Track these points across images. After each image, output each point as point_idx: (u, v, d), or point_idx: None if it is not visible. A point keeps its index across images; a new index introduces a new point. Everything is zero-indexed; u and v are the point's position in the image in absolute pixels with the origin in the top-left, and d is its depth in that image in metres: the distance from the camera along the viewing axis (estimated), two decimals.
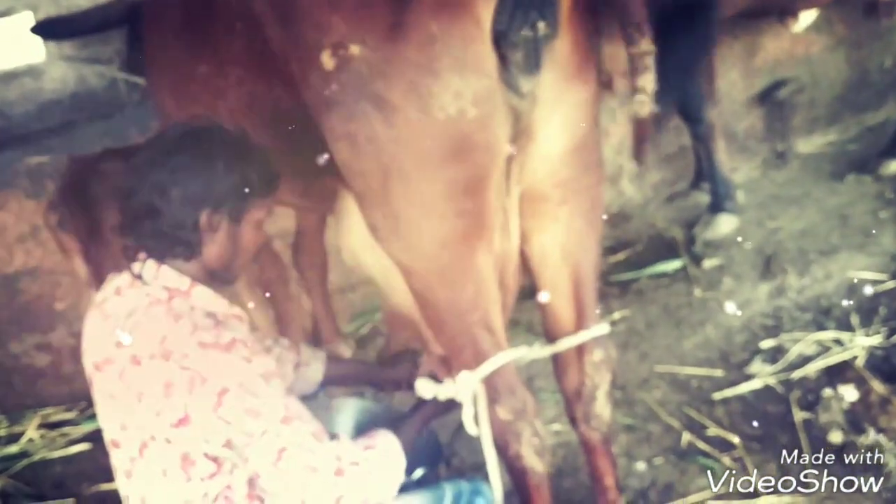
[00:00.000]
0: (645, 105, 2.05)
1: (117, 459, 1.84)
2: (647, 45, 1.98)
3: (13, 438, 3.75)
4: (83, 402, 3.89)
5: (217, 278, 1.87)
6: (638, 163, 2.28)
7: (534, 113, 1.89)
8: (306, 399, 2.23)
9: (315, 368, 2.36)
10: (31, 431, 3.74)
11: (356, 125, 1.77)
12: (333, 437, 1.83)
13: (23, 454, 3.63)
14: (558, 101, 1.90)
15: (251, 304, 3.35)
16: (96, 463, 3.36)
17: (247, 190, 1.79)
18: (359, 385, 2.55)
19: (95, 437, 3.56)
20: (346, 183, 1.95)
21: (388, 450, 1.87)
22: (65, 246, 3.09)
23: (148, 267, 1.82)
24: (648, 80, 2.00)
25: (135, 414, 1.72)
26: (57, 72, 4.34)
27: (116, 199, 1.87)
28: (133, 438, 1.75)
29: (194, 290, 1.81)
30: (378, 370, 2.47)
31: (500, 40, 1.75)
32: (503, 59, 1.77)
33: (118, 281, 1.84)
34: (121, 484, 1.86)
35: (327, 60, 1.75)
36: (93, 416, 3.70)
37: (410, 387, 2.28)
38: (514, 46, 1.77)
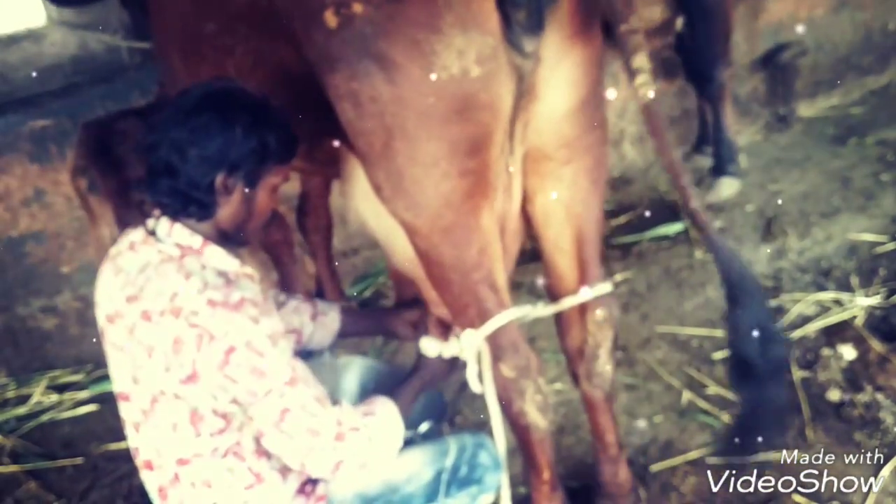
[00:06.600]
0: (648, 86, 1.89)
1: (126, 412, 1.87)
2: (636, 21, 1.84)
3: (22, 400, 3.78)
4: (90, 364, 3.92)
5: (229, 240, 1.88)
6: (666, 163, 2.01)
7: (537, 72, 1.88)
8: (312, 360, 2.27)
9: (332, 317, 2.38)
10: (39, 394, 3.78)
11: (359, 84, 1.76)
12: (336, 402, 1.86)
13: (31, 415, 3.66)
14: (561, 61, 1.89)
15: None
16: (104, 423, 3.41)
17: (264, 156, 1.80)
18: (372, 334, 2.57)
19: (102, 398, 3.61)
20: (349, 145, 1.96)
21: (386, 417, 1.91)
22: (94, 211, 3.05)
23: (162, 224, 1.83)
24: (644, 59, 1.86)
25: (145, 368, 1.75)
26: (57, 35, 4.32)
27: (138, 156, 1.87)
28: (144, 392, 1.78)
29: (206, 249, 1.83)
30: (389, 316, 2.45)
31: None
32: (506, 18, 1.76)
33: (133, 236, 1.86)
34: (130, 436, 1.90)
35: (330, 19, 1.74)
36: (99, 379, 3.77)
37: (422, 330, 2.29)
38: (517, 5, 1.76)
